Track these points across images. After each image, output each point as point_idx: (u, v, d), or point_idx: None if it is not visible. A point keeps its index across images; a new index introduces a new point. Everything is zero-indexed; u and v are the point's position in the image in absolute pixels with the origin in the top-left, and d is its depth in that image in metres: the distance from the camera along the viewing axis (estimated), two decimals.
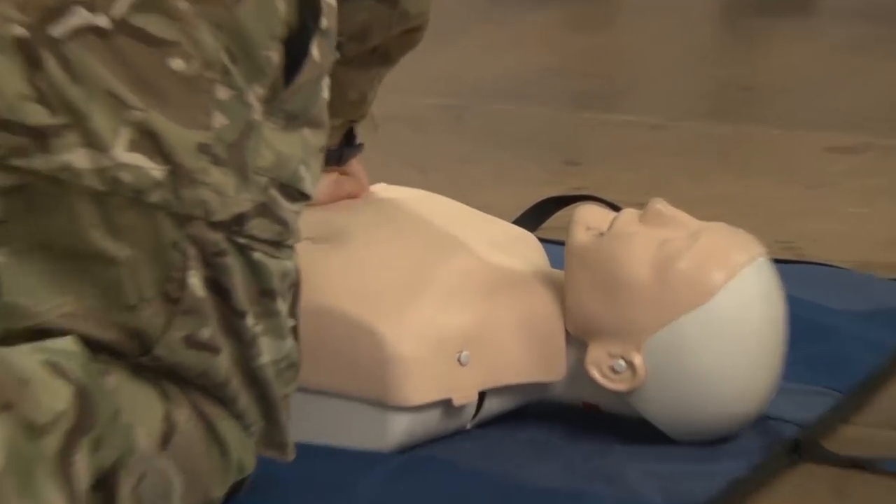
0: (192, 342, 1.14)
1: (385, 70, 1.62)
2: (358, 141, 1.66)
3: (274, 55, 1.15)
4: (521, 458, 1.40)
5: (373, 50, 1.55)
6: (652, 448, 1.39)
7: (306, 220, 1.27)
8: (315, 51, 1.18)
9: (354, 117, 1.63)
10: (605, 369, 1.39)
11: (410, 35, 1.55)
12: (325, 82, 1.25)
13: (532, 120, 3.07)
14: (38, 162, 1.10)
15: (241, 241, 1.15)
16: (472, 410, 1.41)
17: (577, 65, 3.53)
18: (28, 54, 1.08)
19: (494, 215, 1.69)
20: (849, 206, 2.36)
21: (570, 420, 1.47)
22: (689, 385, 1.38)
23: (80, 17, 1.07)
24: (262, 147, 1.18)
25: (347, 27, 1.38)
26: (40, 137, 1.10)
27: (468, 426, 1.42)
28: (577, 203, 1.76)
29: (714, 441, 1.39)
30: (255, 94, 1.15)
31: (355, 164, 1.65)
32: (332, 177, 1.59)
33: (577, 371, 1.40)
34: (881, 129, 2.91)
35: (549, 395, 1.48)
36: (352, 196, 1.62)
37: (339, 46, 1.31)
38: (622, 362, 1.38)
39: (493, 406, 1.44)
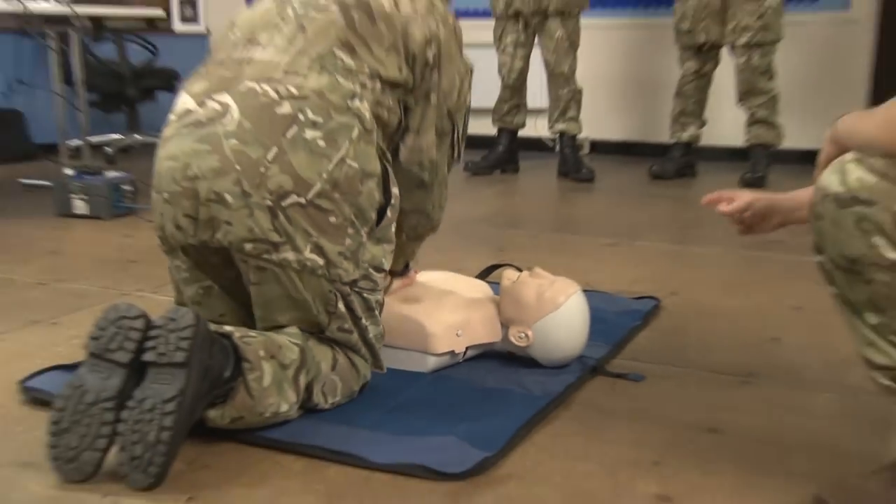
0: (340, 329, 1.92)
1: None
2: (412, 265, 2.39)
3: (373, 215, 1.90)
4: (480, 374, 2.19)
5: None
6: (534, 370, 2.20)
7: (394, 293, 2.20)
8: (389, 212, 1.97)
9: (409, 258, 2.34)
10: (517, 337, 2.20)
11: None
12: (393, 226, 2.01)
13: (489, 234, 4.44)
14: (273, 257, 1.80)
15: (356, 288, 1.93)
16: (461, 355, 2.22)
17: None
18: (274, 213, 1.77)
19: (468, 275, 2.53)
20: (615, 266, 3.42)
21: (502, 359, 2.28)
22: (551, 344, 2.19)
23: (292, 198, 1.79)
24: (365, 252, 1.92)
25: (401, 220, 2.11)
26: (274, 246, 1.79)
27: (461, 360, 2.23)
28: (504, 266, 2.52)
29: (561, 366, 2.21)
30: (364, 230, 1.88)
31: (411, 275, 2.39)
32: (400, 281, 2.33)
33: (505, 338, 2.23)
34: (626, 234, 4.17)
35: (494, 348, 2.28)
36: (408, 283, 2.36)
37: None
38: (523, 334, 2.19)
39: (471, 353, 2.25)
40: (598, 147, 6.20)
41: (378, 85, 1.93)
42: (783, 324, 2.68)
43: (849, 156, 1.42)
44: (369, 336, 1.98)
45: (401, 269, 2.32)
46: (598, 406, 2.07)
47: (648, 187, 5.14)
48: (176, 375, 1.58)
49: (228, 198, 1.77)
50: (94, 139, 5.56)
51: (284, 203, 1.78)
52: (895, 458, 1.60)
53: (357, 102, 1.87)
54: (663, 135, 5.63)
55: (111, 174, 4.32)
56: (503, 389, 2.11)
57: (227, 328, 1.81)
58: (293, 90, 1.83)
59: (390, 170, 1.98)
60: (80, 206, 4.20)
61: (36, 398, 2.02)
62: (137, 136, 6.04)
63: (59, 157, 5.09)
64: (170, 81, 6.14)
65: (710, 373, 2.29)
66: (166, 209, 1.86)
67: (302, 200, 1.78)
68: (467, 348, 2.24)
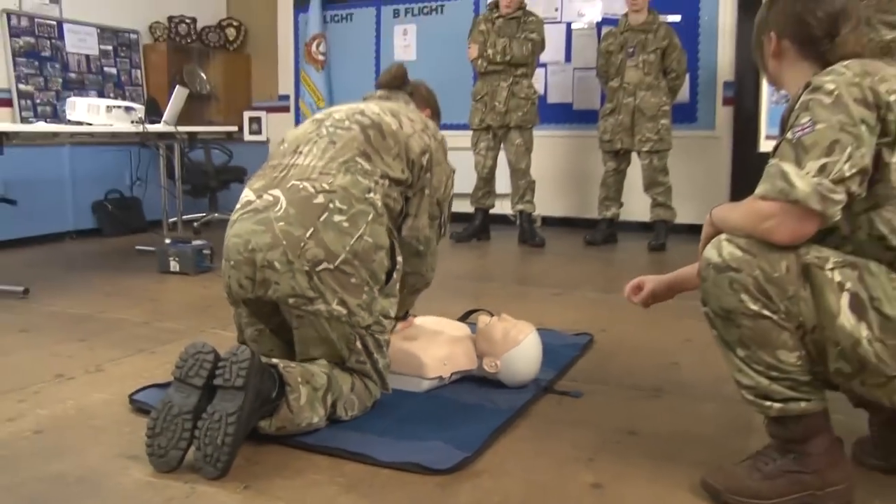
0: (358, 361, 1.92)
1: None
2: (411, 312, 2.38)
3: (383, 276, 1.93)
4: (461, 393, 2.14)
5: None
6: (501, 390, 2.16)
7: (397, 333, 2.14)
8: (395, 275, 1.95)
9: (408, 308, 2.33)
10: (489, 366, 2.17)
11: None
12: (398, 285, 2.00)
13: (468, 287, 4.44)
14: (309, 308, 1.84)
15: (370, 331, 1.90)
16: (447, 379, 2.19)
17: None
18: (310, 276, 1.79)
19: (452, 318, 2.48)
20: (560, 310, 3.40)
21: (478, 381, 2.23)
22: (514, 371, 2.16)
23: (324, 265, 1.81)
24: (377, 304, 1.92)
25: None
26: (310, 300, 1.83)
27: (447, 383, 2.19)
28: (479, 311, 2.48)
29: (522, 387, 2.18)
30: (376, 288, 1.91)
31: (410, 319, 2.37)
32: (402, 324, 2.30)
33: (480, 366, 2.19)
34: (568, 286, 4.15)
35: (472, 374, 2.24)
36: (407, 326, 2.33)
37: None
38: (494, 364, 2.16)
39: (454, 377, 2.20)
40: (548, 221, 6.17)
41: (387, 182, 1.94)
42: (680, 352, 2.66)
43: (723, 236, 1.47)
44: (379, 366, 1.97)
45: (402, 315, 2.29)
46: (549, 417, 2.04)
47: (583, 251, 5.11)
48: (237, 396, 1.62)
49: (277, 265, 1.80)
50: (187, 217, 5.62)
51: (318, 269, 1.80)
52: (755, 450, 1.60)
53: (372, 195, 1.89)
54: (593, 212, 5.62)
55: (196, 242, 4.34)
56: (478, 405, 2.07)
57: (275, 360, 1.82)
58: (325, 186, 1.85)
59: (396, 243, 1.98)
60: (174, 265, 4.21)
61: (139, 408, 2.03)
62: (216, 214, 6.07)
63: (161, 230, 5.17)
64: (240, 176, 6.21)
65: (630, 389, 2.26)
66: (232, 273, 1.88)
67: (331, 266, 1.80)
68: (452, 374, 2.20)
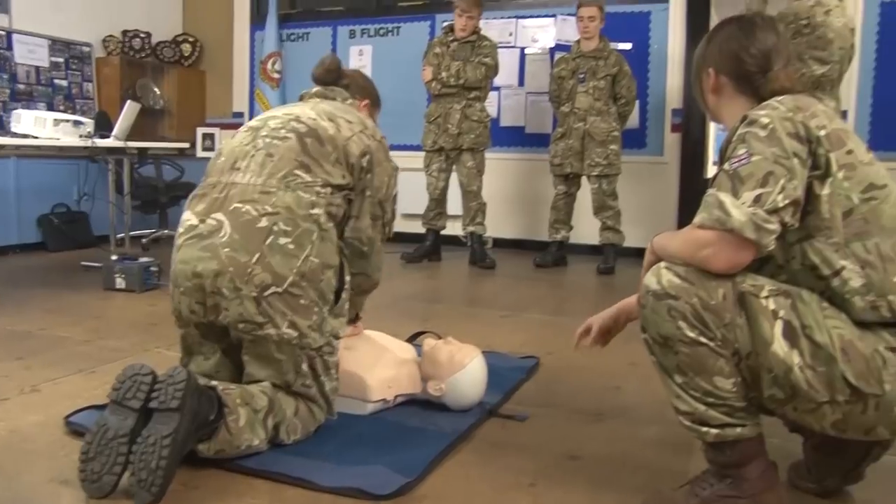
0: (303, 385, 1.88)
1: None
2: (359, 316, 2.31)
3: (332, 295, 1.90)
4: (405, 416, 2.11)
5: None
6: (446, 413, 2.14)
7: (345, 341, 2.06)
8: (344, 294, 1.94)
9: (357, 310, 2.28)
10: (434, 389, 2.15)
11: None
12: (347, 304, 1.98)
13: (417, 308, 4.28)
14: (259, 332, 1.81)
15: (321, 353, 1.89)
16: (392, 402, 2.16)
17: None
18: (259, 301, 1.76)
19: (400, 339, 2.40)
20: (508, 332, 3.41)
21: (423, 405, 2.19)
22: (459, 394, 2.15)
23: (272, 289, 1.77)
24: (328, 324, 1.89)
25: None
26: (259, 325, 1.79)
27: (392, 405, 2.15)
28: (426, 333, 2.49)
29: (467, 410, 2.15)
30: (326, 308, 1.88)
31: (358, 326, 2.32)
32: (351, 328, 2.24)
33: (425, 389, 2.17)
34: (516, 308, 4.12)
35: (417, 397, 2.21)
36: (356, 333, 2.28)
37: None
38: (439, 387, 2.14)
39: (399, 400, 2.18)
40: (498, 243, 6.19)
41: (329, 190, 1.91)
42: (623, 375, 2.67)
43: (663, 263, 1.50)
44: (326, 390, 1.95)
45: (352, 318, 2.25)
46: (492, 440, 2.03)
47: (533, 273, 5.13)
48: (172, 418, 1.58)
49: (225, 291, 1.78)
50: (135, 233, 5.54)
51: (266, 294, 1.77)
52: (695, 474, 1.61)
53: (316, 210, 1.86)
54: (544, 235, 5.64)
55: (143, 259, 4.27)
56: (422, 428, 2.05)
57: (214, 382, 1.79)
58: (268, 208, 1.82)
59: (345, 263, 1.96)
60: (120, 282, 4.13)
61: (76, 430, 1.97)
62: (166, 231, 6.00)
63: (109, 246, 5.05)
64: (191, 192, 6.02)
65: (573, 413, 2.26)
66: (182, 298, 1.86)
67: (279, 290, 1.78)
68: (396, 397, 2.18)
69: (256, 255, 1.77)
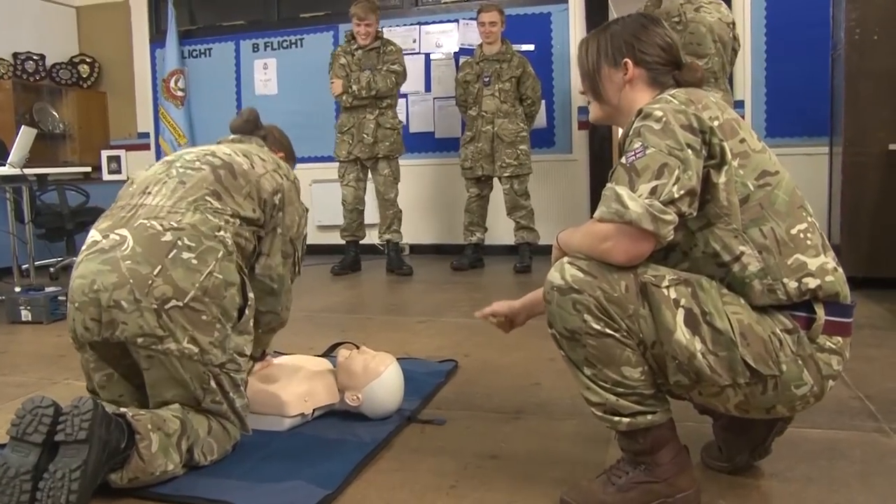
0: (213, 401, 1.85)
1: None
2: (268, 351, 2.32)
3: (235, 313, 1.87)
4: (324, 428, 2.09)
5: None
6: (365, 423, 2.13)
7: (255, 374, 2.10)
8: (247, 311, 1.91)
9: (264, 347, 2.26)
10: (350, 399, 2.14)
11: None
12: (251, 322, 1.94)
13: (335, 319, 4.14)
14: (159, 347, 1.75)
15: (225, 369, 1.85)
16: (310, 415, 2.14)
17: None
18: (159, 314, 1.72)
19: (317, 352, 2.45)
20: (426, 338, 3.43)
21: (341, 415, 2.19)
22: (376, 403, 2.14)
23: (173, 302, 1.74)
24: (230, 341, 1.86)
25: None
26: (159, 339, 1.74)
27: (310, 419, 2.13)
28: (342, 344, 2.50)
29: (385, 418, 2.15)
30: (229, 325, 1.85)
31: (268, 359, 2.31)
32: (259, 364, 2.24)
33: (342, 400, 2.16)
34: (434, 313, 4.11)
35: (335, 408, 2.20)
36: (266, 366, 2.27)
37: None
38: (355, 397, 2.13)
39: (317, 412, 2.16)
40: (416, 249, 6.21)
41: (238, 221, 1.91)
42: (542, 372, 2.68)
43: (566, 259, 1.52)
44: (236, 406, 1.91)
45: (259, 355, 2.24)
46: (412, 446, 2.02)
47: (451, 276, 5.14)
48: (80, 450, 1.54)
49: (124, 304, 1.73)
50: (42, 262, 5.36)
51: (167, 306, 1.74)
52: (610, 464, 1.65)
53: (222, 233, 1.85)
54: (459, 238, 5.66)
55: (49, 289, 4.13)
56: (341, 439, 2.03)
57: (123, 409, 1.74)
58: (174, 224, 1.81)
59: (247, 280, 1.94)
60: (25, 314, 3.98)
61: None
62: (75, 258, 5.66)
63: (11, 278, 4.84)
64: (99, 217, 5.85)
65: (491, 413, 2.26)
66: (77, 315, 1.79)
67: (180, 304, 1.75)
68: (314, 410, 2.16)
69: (158, 268, 1.74)
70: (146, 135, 7.13)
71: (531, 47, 5.84)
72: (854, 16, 4.01)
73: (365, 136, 5.18)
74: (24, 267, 4.98)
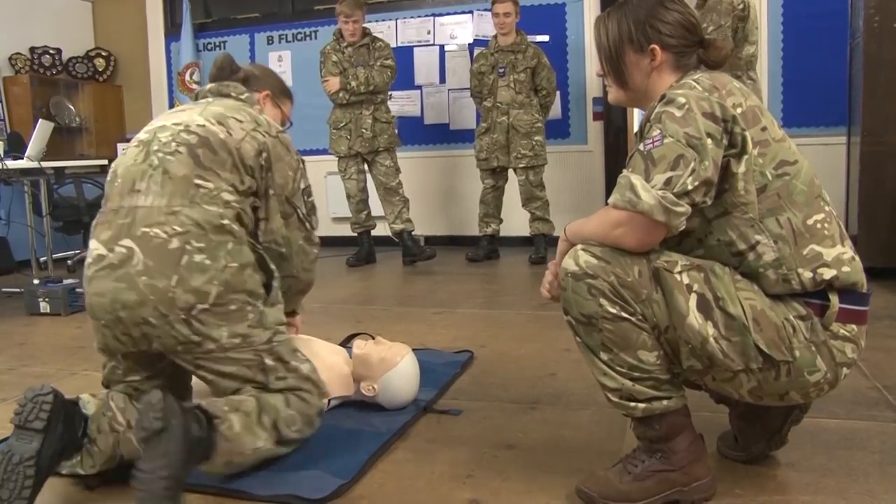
0: (278, 378, 1.78)
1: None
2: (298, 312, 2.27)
3: (261, 289, 1.79)
4: (341, 418, 2.10)
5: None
6: (380, 413, 2.14)
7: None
8: (274, 283, 1.86)
9: (295, 307, 2.22)
10: (366, 390, 2.15)
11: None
12: (280, 293, 1.89)
13: (351, 311, 4.24)
14: (199, 351, 1.70)
15: (273, 342, 1.79)
16: (326, 406, 2.03)
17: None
18: (189, 322, 1.67)
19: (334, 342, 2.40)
20: (441, 329, 3.43)
21: (357, 406, 2.20)
22: (391, 393, 2.15)
23: (199, 307, 1.69)
24: (267, 317, 1.80)
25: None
26: (197, 344, 1.69)
27: (326, 409, 2.03)
28: (358, 335, 2.50)
29: (401, 408, 2.17)
30: (259, 303, 1.79)
31: (296, 321, 2.28)
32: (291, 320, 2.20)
33: (358, 391, 2.17)
34: (450, 304, 4.11)
35: (351, 399, 2.20)
36: (294, 328, 2.23)
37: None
38: (371, 388, 2.14)
39: (333, 402, 2.16)
40: (431, 240, 6.18)
41: (232, 198, 1.81)
42: (557, 362, 2.68)
43: (580, 246, 1.52)
44: (304, 372, 1.86)
45: (289, 313, 2.14)
46: (428, 436, 2.03)
47: (466, 268, 5.14)
48: (165, 439, 1.49)
49: (152, 320, 1.68)
50: (59, 255, 5.42)
51: (194, 312, 1.69)
52: (625, 453, 1.65)
53: (225, 221, 1.77)
54: (474, 230, 5.66)
55: (67, 281, 4.17)
56: (357, 429, 2.04)
57: (196, 400, 1.71)
58: (177, 228, 1.72)
59: (263, 253, 1.88)
60: (44, 306, 4.02)
61: None
62: None
63: (30, 270, 4.88)
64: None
65: (507, 403, 2.26)
66: (105, 331, 1.75)
67: (206, 306, 1.70)
68: (330, 400, 2.16)
69: (175, 278, 1.69)
70: None
71: (546, 38, 5.81)
72: (873, 4, 3.96)
73: (364, 131, 5.22)
74: (42, 259, 5.03)
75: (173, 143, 1.84)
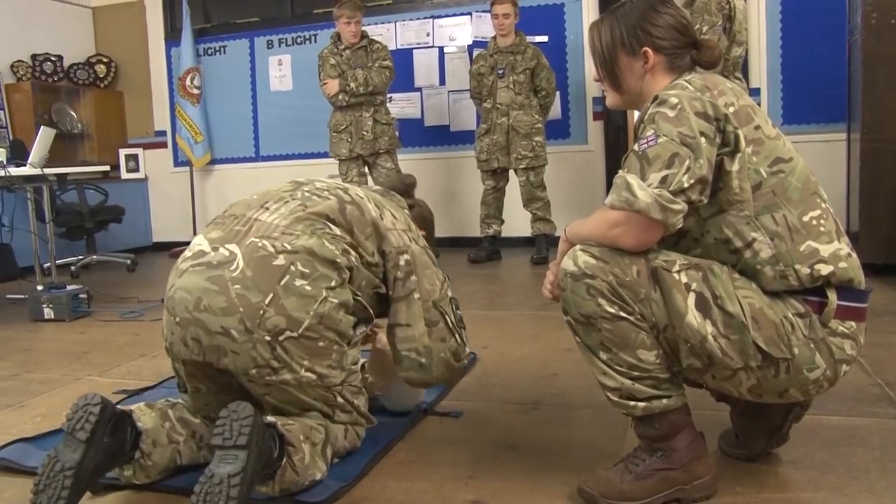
0: (343, 411, 1.77)
1: None
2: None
3: (351, 331, 1.73)
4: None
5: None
6: (383, 415, 2.10)
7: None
8: (363, 326, 1.80)
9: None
10: (376, 387, 2.08)
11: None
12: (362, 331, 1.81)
13: None
14: (274, 378, 1.65)
15: (346, 383, 1.76)
16: None
17: None
18: (273, 346, 1.61)
19: None
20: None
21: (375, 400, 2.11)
22: (398, 397, 2.15)
23: (287, 334, 1.62)
24: (347, 358, 1.75)
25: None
26: (274, 370, 1.64)
27: None
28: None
29: (406, 411, 2.15)
30: (344, 343, 1.72)
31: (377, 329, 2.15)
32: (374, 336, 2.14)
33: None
34: (459, 305, 4.12)
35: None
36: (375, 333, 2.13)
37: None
38: (382, 385, 2.10)
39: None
40: None
41: (354, 255, 1.77)
42: (559, 362, 2.68)
43: (578, 246, 1.53)
44: (363, 410, 1.85)
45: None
46: (430, 438, 2.03)
47: (468, 269, 5.14)
48: (239, 455, 1.45)
49: (234, 333, 1.61)
50: (63, 261, 5.42)
51: (281, 338, 1.62)
52: (627, 453, 1.64)
53: (336, 259, 1.71)
54: (476, 231, 5.69)
55: (71, 287, 4.16)
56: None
57: (270, 418, 1.63)
58: (287, 246, 1.67)
59: (362, 300, 1.80)
60: (48, 312, 4.02)
61: (5, 465, 1.89)
62: (95, 256, 5.90)
63: (34, 276, 4.89)
64: (118, 215, 6.04)
65: (509, 404, 2.26)
66: (176, 329, 1.67)
67: (294, 334, 1.63)
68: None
69: (270, 296, 1.61)
70: (163, 133, 7.18)
71: (545, 39, 5.83)
72: (870, 0, 3.96)
73: (364, 133, 5.25)
74: (45, 265, 5.04)
75: (326, 192, 1.83)
